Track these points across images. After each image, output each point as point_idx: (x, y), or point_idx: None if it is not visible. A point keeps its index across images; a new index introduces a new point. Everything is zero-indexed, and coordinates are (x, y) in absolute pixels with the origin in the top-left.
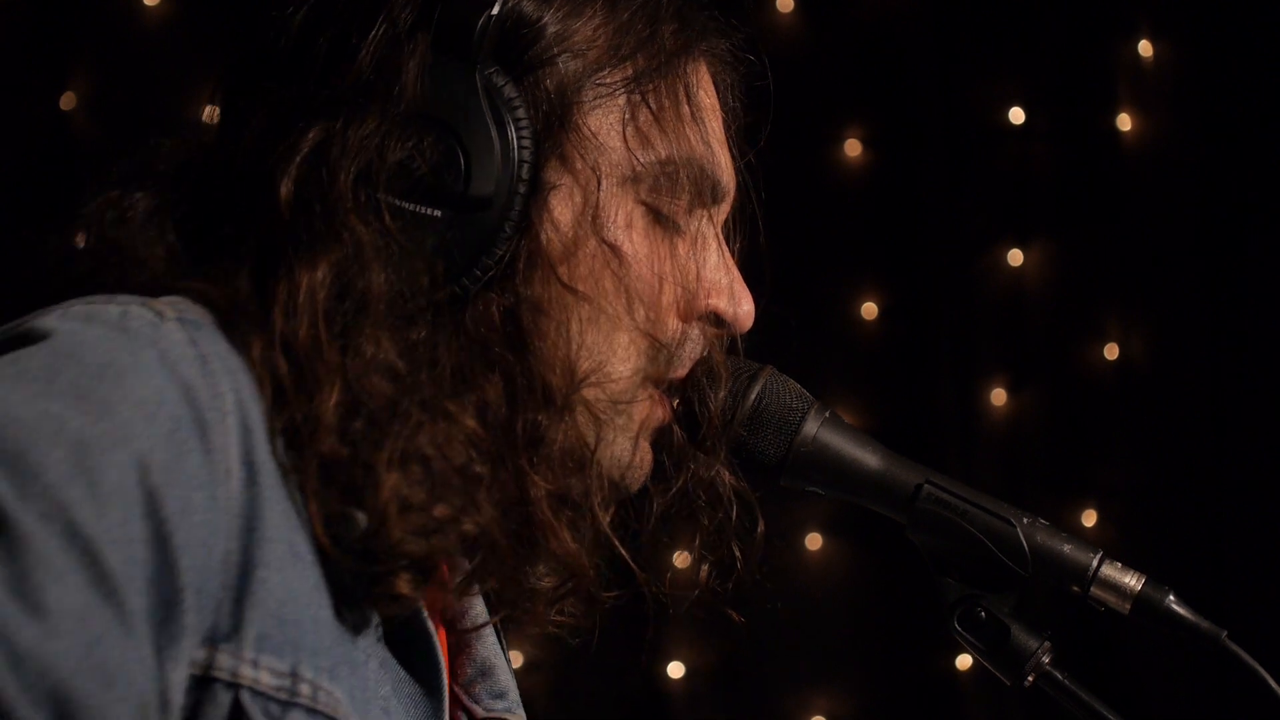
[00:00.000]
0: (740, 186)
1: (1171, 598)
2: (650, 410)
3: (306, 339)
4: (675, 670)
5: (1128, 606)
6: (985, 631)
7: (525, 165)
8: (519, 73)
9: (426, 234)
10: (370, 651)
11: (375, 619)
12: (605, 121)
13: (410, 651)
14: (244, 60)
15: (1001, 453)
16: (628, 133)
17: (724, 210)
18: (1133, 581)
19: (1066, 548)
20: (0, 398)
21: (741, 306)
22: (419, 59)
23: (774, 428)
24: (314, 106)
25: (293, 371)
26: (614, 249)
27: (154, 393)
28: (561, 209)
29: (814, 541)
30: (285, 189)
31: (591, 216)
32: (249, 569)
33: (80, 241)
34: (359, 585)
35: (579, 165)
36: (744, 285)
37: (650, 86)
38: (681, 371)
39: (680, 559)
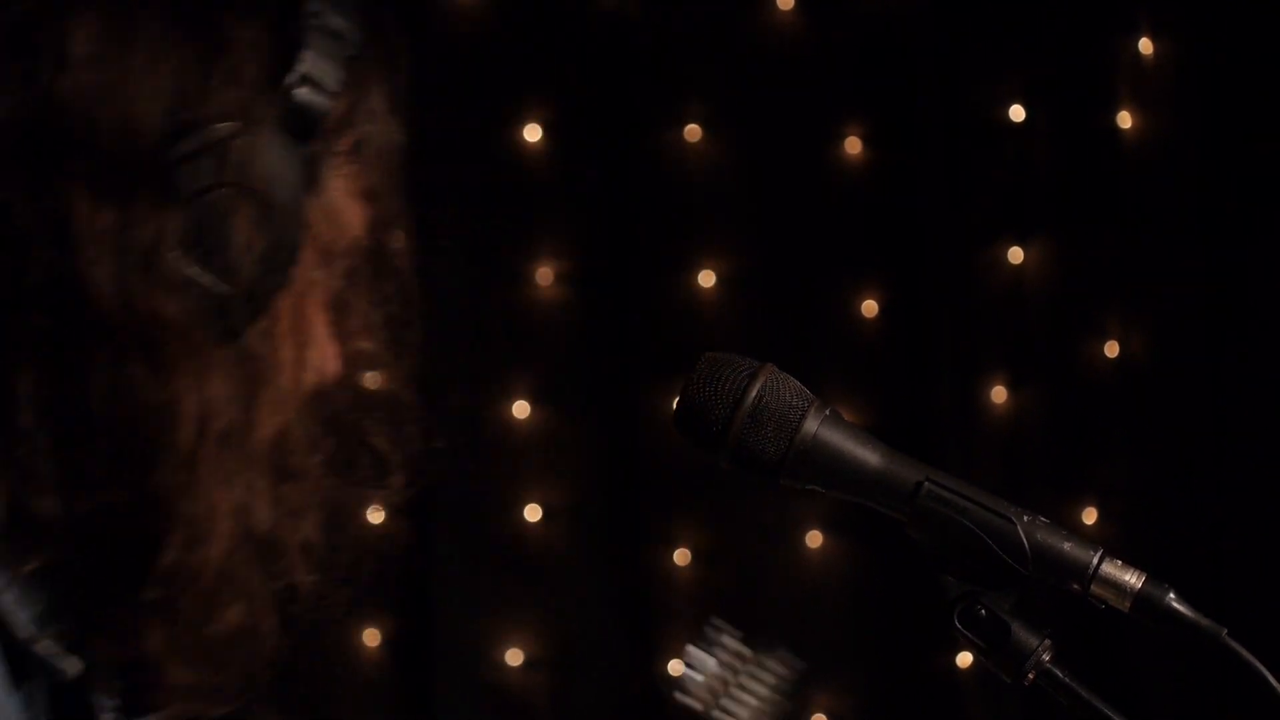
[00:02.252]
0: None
1: (1172, 595)
2: None
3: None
4: (676, 668)
5: (1128, 604)
6: (985, 629)
7: (295, 249)
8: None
9: (208, 309)
10: None
11: None
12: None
13: None
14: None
15: (1001, 450)
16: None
17: None
18: (1133, 579)
19: (1066, 545)
20: None
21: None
22: (259, 131)
23: (774, 425)
24: (132, 174)
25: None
26: (329, 326)
27: None
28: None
29: (814, 539)
30: (102, 280)
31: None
32: None
33: None
34: None
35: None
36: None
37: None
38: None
39: (681, 557)
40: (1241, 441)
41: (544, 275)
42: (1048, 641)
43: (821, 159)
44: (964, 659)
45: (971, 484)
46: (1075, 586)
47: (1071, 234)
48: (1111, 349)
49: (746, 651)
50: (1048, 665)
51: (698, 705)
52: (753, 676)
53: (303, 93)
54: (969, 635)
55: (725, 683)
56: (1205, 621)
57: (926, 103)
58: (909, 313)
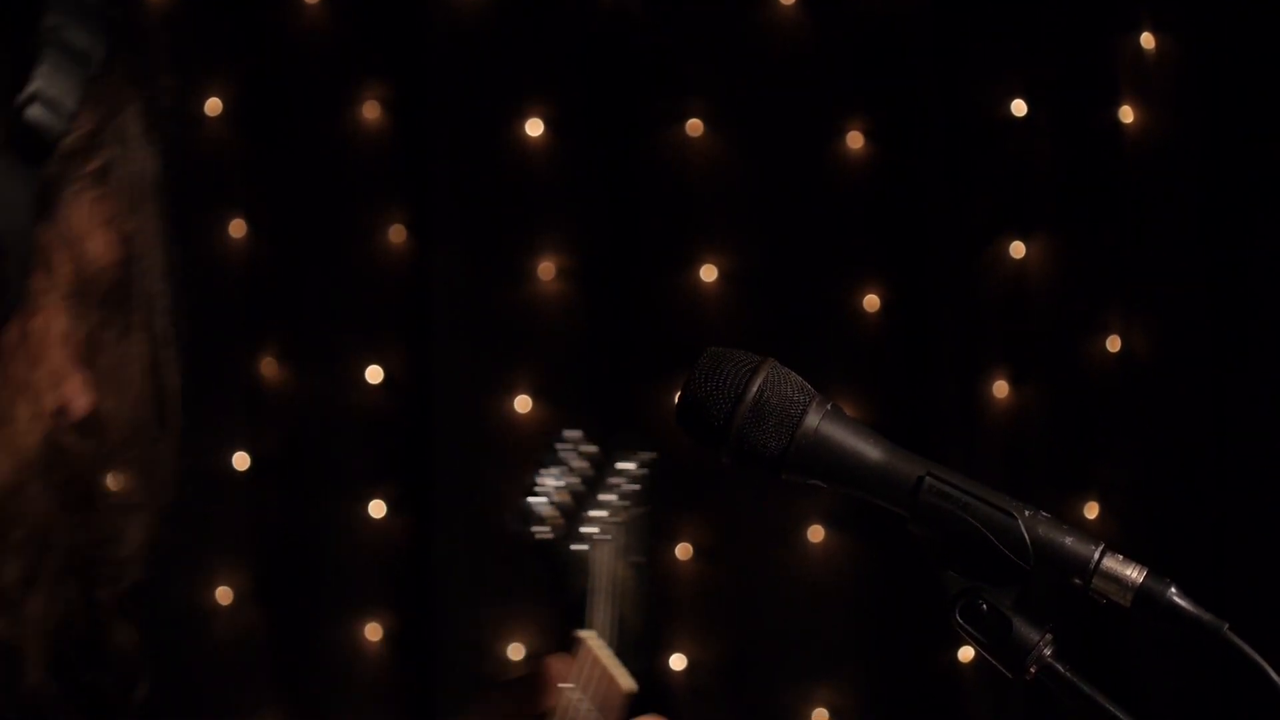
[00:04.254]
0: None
1: (1173, 590)
2: None
3: None
4: (677, 662)
5: (1129, 599)
6: (987, 624)
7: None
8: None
9: None
10: None
11: None
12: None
13: None
14: None
15: (1003, 445)
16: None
17: None
18: (1134, 574)
19: (1068, 540)
20: None
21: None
22: None
23: (775, 420)
24: None
25: None
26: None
27: None
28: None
29: (816, 534)
30: None
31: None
32: None
33: None
34: None
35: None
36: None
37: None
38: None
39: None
40: (1243, 437)
41: (545, 270)
42: (1049, 637)
43: (823, 155)
44: (965, 654)
45: (973, 479)
46: (1077, 581)
47: (1073, 230)
48: (1113, 344)
49: (598, 458)
50: (1049, 660)
51: (549, 534)
52: (606, 489)
53: (33, 111)
54: (970, 630)
55: (578, 502)
56: (1207, 616)
57: (928, 98)
58: (911, 308)
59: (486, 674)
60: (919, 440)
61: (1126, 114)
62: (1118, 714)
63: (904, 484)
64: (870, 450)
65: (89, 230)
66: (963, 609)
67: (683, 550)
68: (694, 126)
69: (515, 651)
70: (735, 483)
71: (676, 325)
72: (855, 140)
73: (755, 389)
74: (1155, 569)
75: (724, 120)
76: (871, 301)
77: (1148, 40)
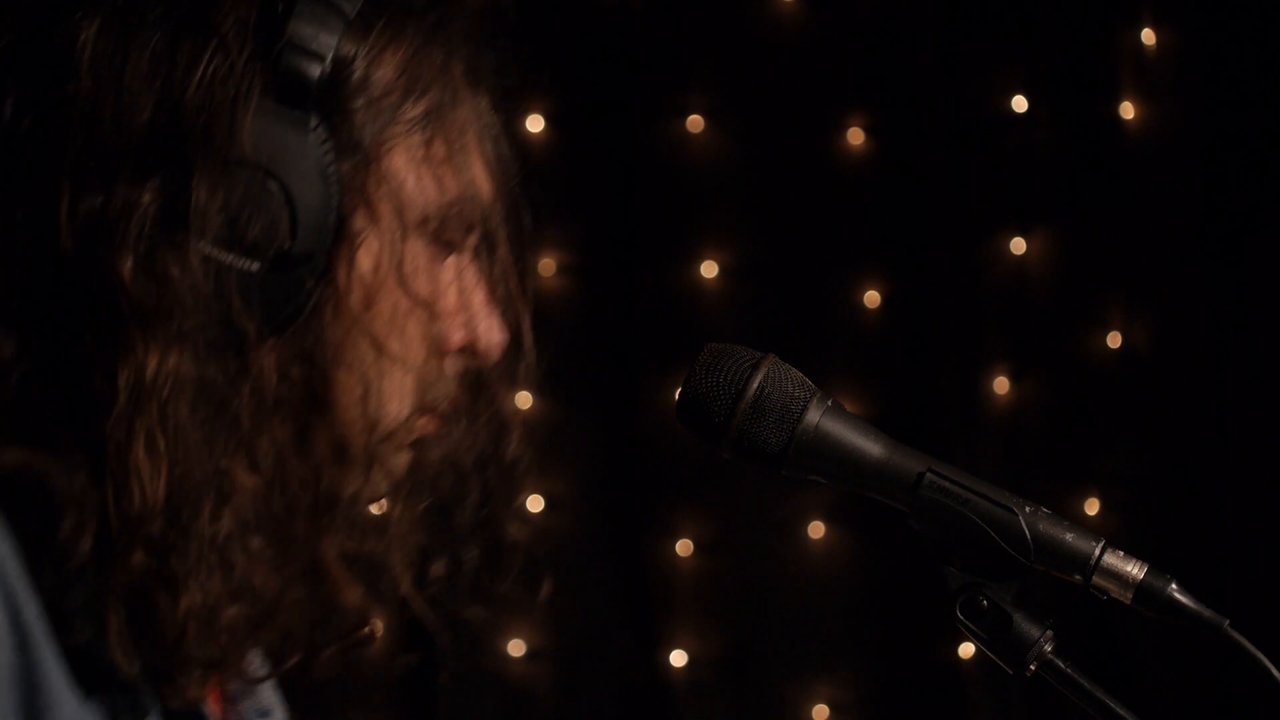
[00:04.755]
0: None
1: (1174, 586)
2: (417, 428)
3: (141, 436)
4: (678, 658)
5: (1130, 595)
6: (987, 620)
7: (332, 214)
8: (331, 117)
9: (241, 289)
10: None
11: None
12: (404, 161)
13: None
14: (23, 94)
15: (1004, 441)
16: (423, 172)
17: (476, 237)
18: (1135, 570)
19: (1069, 536)
20: None
21: (492, 336)
22: (247, 104)
23: (776, 417)
24: (137, 159)
25: (115, 478)
26: (413, 296)
27: None
28: (364, 257)
29: (816, 530)
30: (126, 263)
31: (393, 265)
32: None
33: None
34: (152, 688)
35: (381, 211)
36: (496, 315)
37: (442, 120)
38: (451, 403)
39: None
40: (1244, 432)
41: (546, 266)
42: (1050, 632)
43: (824, 150)
44: (966, 650)
45: (974, 475)
46: (1077, 577)
47: (1074, 225)
48: (1114, 339)
49: None
50: (1050, 656)
51: None
52: None
53: (290, 58)
54: (971, 626)
55: None
56: (1207, 612)
57: (929, 94)
58: (911, 303)
59: (487, 671)
60: (919, 436)
61: (1127, 109)
62: (1118, 710)
63: (904, 480)
64: (871, 446)
65: (412, 171)
66: (963, 605)
67: (683, 546)
68: (695, 123)
69: (516, 648)
70: (736, 478)
71: (677, 321)
72: (856, 136)
73: (756, 385)
74: (1156, 564)
75: (725, 116)
76: (872, 297)
77: (1148, 36)
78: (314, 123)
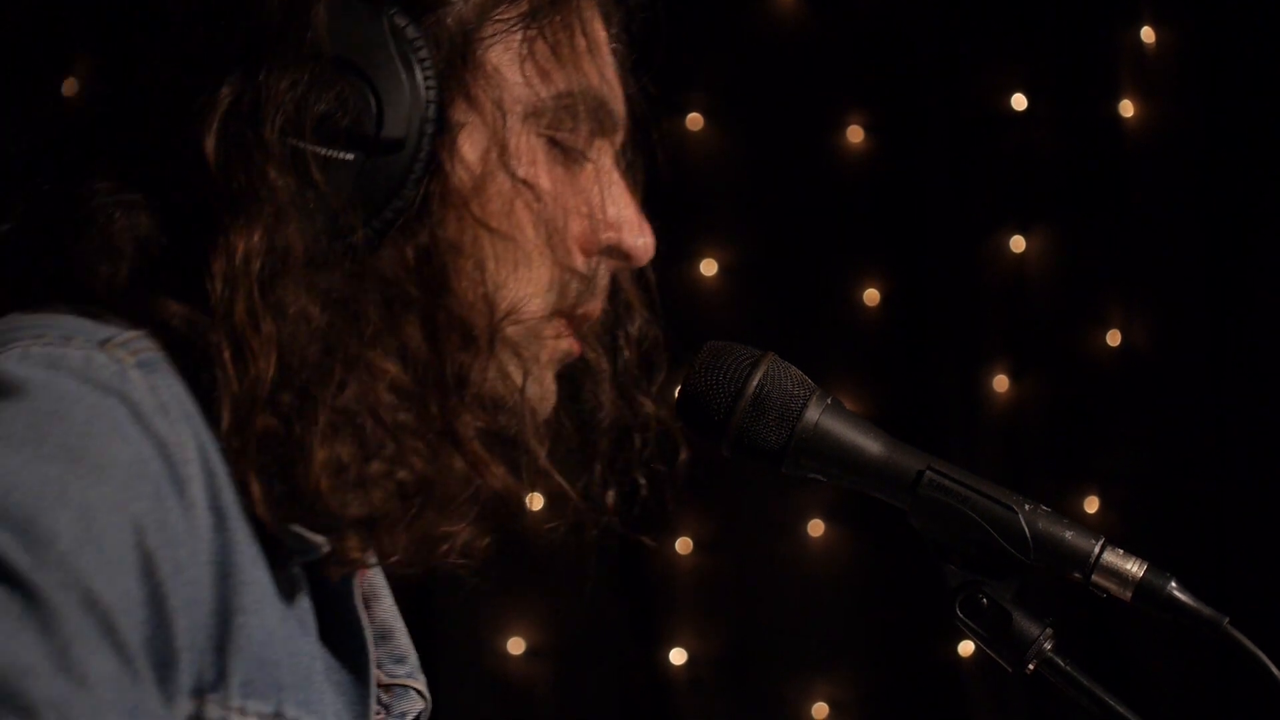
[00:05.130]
0: (634, 122)
1: (1173, 584)
2: (558, 344)
3: (243, 311)
4: (677, 656)
5: (1129, 593)
6: (987, 618)
7: (431, 105)
8: (419, 12)
9: (340, 179)
10: (319, 659)
11: (313, 617)
12: (505, 57)
13: (341, 638)
14: (128, 11)
15: (1004, 439)
16: (526, 67)
17: (619, 141)
18: (1134, 568)
19: (1068, 534)
20: None
21: (642, 239)
22: (326, 2)
23: (775, 415)
24: (223, 57)
25: (231, 348)
26: (523, 183)
27: (136, 453)
28: (469, 147)
29: (816, 528)
30: (210, 146)
31: (498, 153)
32: (229, 616)
33: None
34: (301, 566)
35: (482, 102)
36: (643, 218)
37: (545, 21)
38: (592, 306)
39: (683, 546)
40: (1243, 430)
41: None
42: (1049, 630)
43: (823, 148)
44: (966, 648)
45: (973, 473)
46: (1077, 575)
47: (1073, 223)
48: (1113, 337)
49: None
50: (1049, 654)
51: None
52: None
53: None
54: (970, 624)
55: None
56: (1207, 610)
57: (928, 92)
58: (911, 301)
59: (486, 669)
60: (919, 434)
61: (1127, 108)
62: (1118, 708)
63: (904, 478)
64: (870, 444)
65: (512, 67)
66: (963, 603)
67: (683, 544)
68: (694, 120)
69: (515, 646)
70: (735, 477)
71: (676, 319)
72: (855, 134)
73: (755, 383)
74: (1155, 562)
75: (724, 114)
76: (872, 295)
77: (1148, 34)
78: (394, 19)
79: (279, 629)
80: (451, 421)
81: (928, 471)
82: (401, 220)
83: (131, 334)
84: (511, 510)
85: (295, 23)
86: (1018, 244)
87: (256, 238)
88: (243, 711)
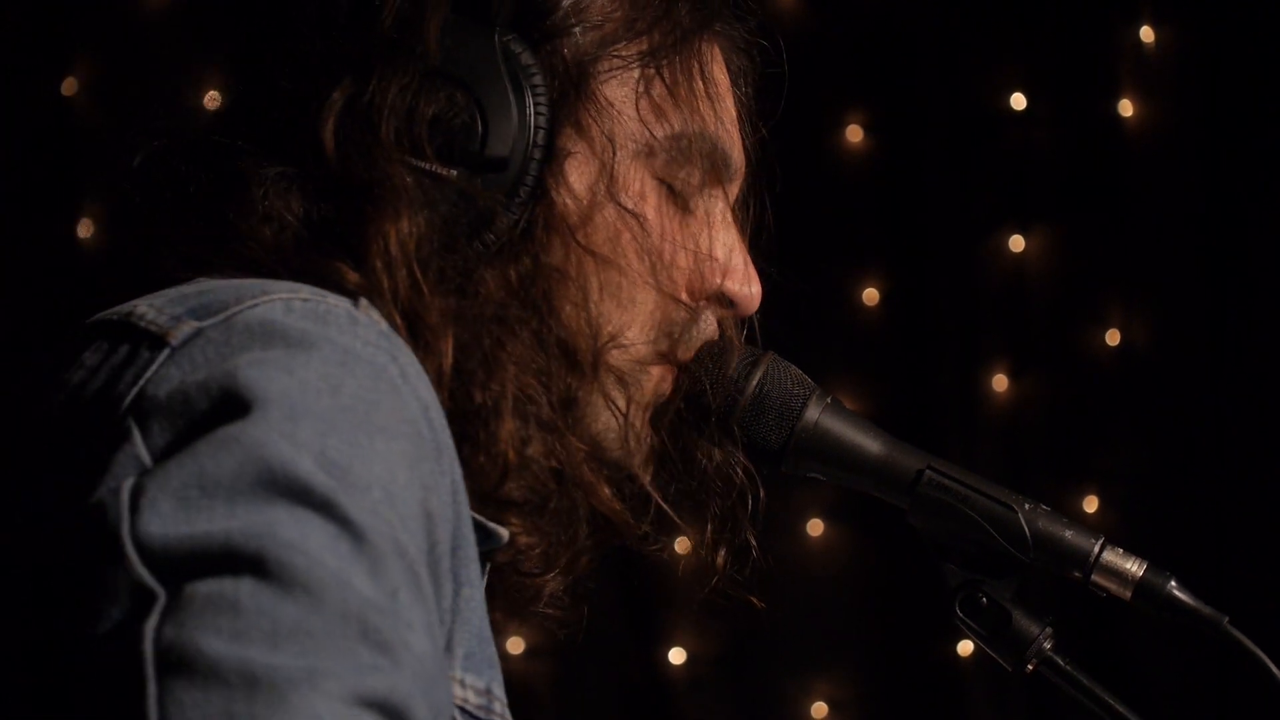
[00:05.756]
0: (752, 171)
1: (1173, 583)
2: (657, 385)
3: (410, 292)
4: (676, 656)
5: (1129, 593)
6: (987, 617)
7: (541, 131)
8: (536, 40)
9: (445, 194)
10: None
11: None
12: (620, 93)
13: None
14: (262, 19)
15: (1003, 438)
16: (642, 105)
17: (735, 189)
18: (1134, 568)
19: (1068, 533)
20: (304, 407)
21: (750, 288)
22: (440, 19)
23: (775, 414)
24: (340, 64)
25: (408, 328)
26: (630, 214)
27: (412, 413)
28: (577, 176)
29: (815, 527)
30: (329, 143)
31: (606, 184)
32: (459, 587)
33: (86, 229)
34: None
35: (594, 133)
36: (752, 266)
37: (665, 61)
38: (689, 352)
39: (681, 545)
40: (1243, 429)
41: None
42: (1049, 629)
43: (822, 148)
44: (965, 647)
45: (973, 472)
46: (1076, 575)
47: (1073, 222)
48: (1113, 337)
49: None
50: (1049, 653)
51: None
52: None
53: None
54: (970, 624)
55: None
56: (1206, 609)
57: (928, 91)
58: (910, 301)
59: None
60: (918, 433)
61: (1126, 107)
62: (1117, 707)
63: (904, 477)
64: (870, 443)
65: (627, 103)
66: (963, 602)
67: (681, 544)
68: None
69: (515, 646)
70: None
71: None
72: (855, 134)
73: (755, 382)
74: (1155, 562)
75: None
76: (871, 294)
77: (1147, 33)
78: (509, 45)
79: (483, 606)
80: (563, 442)
81: (927, 471)
82: (506, 241)
83: (337, 295)
84: (619, 533)
85: (408, 35)
86: (1017, 244)
87: (405, 223)
88: (463, 684)
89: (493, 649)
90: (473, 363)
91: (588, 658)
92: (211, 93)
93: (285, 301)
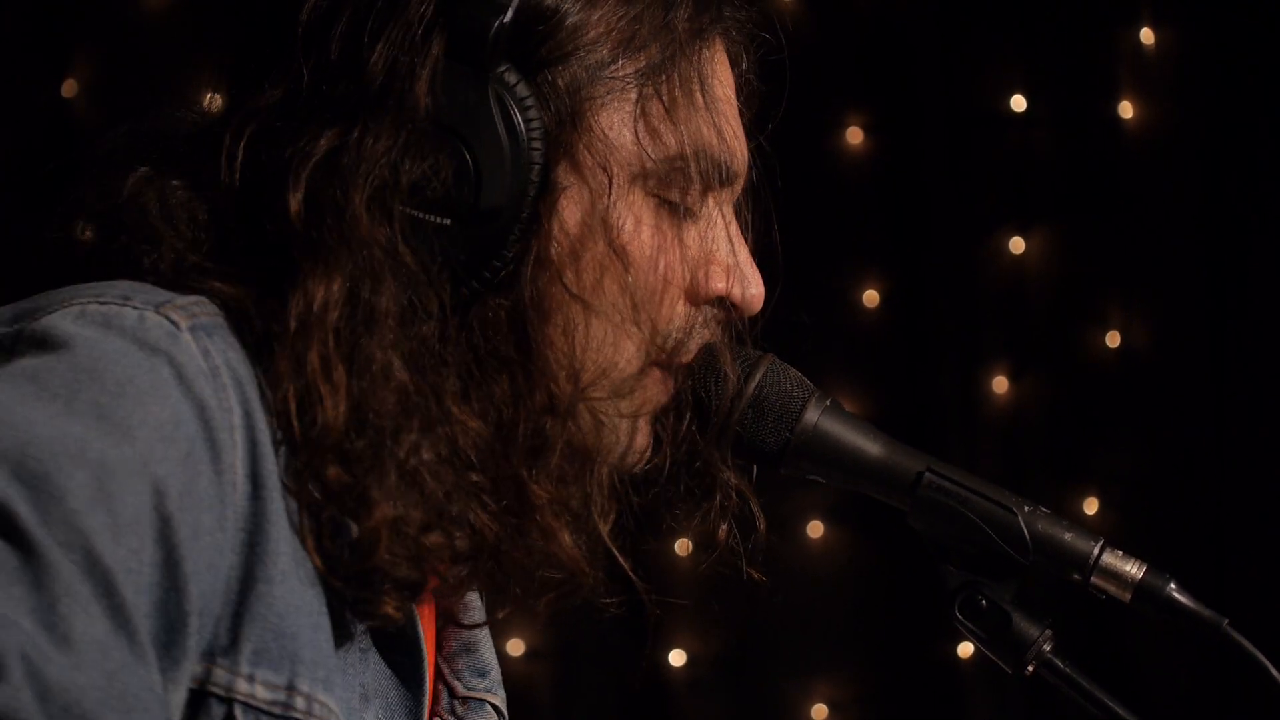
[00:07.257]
0: (753, 172)
1: (1172, 586)
2: (652, 392)
3: (316, 357)
4: (676, 658)
5: (1128, 595)
6: (986, 619)
7: (535, 168)
8: (531, 69)
9: (436, 241)
10: (361, 653)
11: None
12: (616, 118)
13: (396, 645)
14: (253, 46)
15: (1003, 440)
16: (639, 128)
17: (736, 190)
18: (1133, 570)
19: (1067, 536)
20: (22, 416)
21: (750, 289)
22: (431, 64)
23: (775, 416)
24: (325, 109)
25: (299, 388)
26: (621, 251)
27: (171, 415)
28: (570, 210)
29: (815, 529)
30: (295, 201)
31: (600, 218)
32: (249, 583)
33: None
34: (349, 598)
35: (589, 165)
36: (754, 267)
37: (663, 77)
38: (687, 356)
39: (681, 546)
40: (1243, 431)
41: None
42: (1048, 631)
43: (823, 149)
44: (965, 649)
45: (972, 474)
46: (1076, 577)
47: (1073, 224)
48: (1113, 338)
49: None
50: (1048, 655)
51: None
52: None
53: (470, 13)
54: (970, 625)
55: None
56: (1206, 612)
57: (928, 92)
58: (910, 302)
59: None
60: (918, 435)
61: (1126, 109)
62: (1117, 709)
63: (904, 479)
64: (870, 445)
65: (623, 127)
66: (962, 604)
67: (682, 546)
68: None
69: (515, 648)
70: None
71: None
72: (855, 135)
73: (754, 385)
74: (1155, 563)
75: None
76: (871, 296)
77: (1147, 35)
78: (503, 78)
79: (308, 604)
80: (523, 489)
81: (927, 473)
82: (495, 280)
83: (192, 299)
84: (575, 580)
85: (397, 84)
86: (1017, 244)
87: (336, 288)
88: (251, 679)
89: (309, 646)
90: (379, 434)
91: (587, 659)
92: (211, 93)
93: (81, 307)
